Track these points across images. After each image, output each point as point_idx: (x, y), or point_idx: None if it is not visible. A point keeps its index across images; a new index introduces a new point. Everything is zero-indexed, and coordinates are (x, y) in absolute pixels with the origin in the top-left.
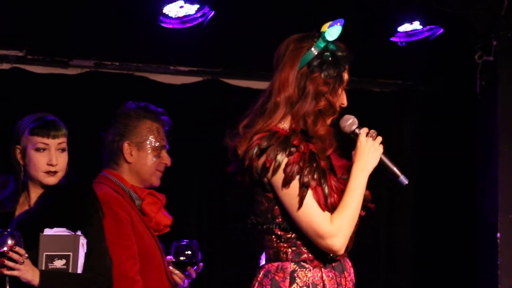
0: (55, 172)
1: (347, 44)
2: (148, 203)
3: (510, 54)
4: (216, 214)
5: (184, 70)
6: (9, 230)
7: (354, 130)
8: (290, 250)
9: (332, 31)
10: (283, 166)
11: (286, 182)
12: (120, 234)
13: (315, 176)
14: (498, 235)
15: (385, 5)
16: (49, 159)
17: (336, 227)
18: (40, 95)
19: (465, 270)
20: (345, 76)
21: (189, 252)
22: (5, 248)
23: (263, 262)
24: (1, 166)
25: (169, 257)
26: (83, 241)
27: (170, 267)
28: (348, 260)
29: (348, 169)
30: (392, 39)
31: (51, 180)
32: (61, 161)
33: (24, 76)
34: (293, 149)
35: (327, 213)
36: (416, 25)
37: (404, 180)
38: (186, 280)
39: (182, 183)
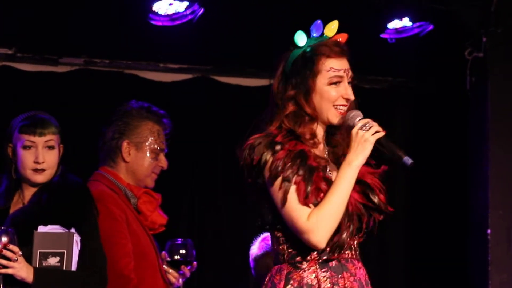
0: (43, 170)
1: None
2: (144, 202)
3: (500, 50)
4: (209, 213)
5: (174, 68)
6: (3, 227)
7: (354, 123)
8: (287, 252)
9: (298, 36)
10: (269, 163)
11: (271, 179)
12: (115, 232)
13: (300, 172)
14: (489, 231)
15: (375, 2)
16: (35, 156)
17: (312, 222)
18: (30, 93)
19: (456, 267)
20: (324, 66)
21: (184, 251)
22: None
23: None
24: None
25: (163, 252)
26: (77, 238)
27: (165, 266)
28: (355, 261)
29: (365, 176)
30: (382, 35)
31: (39, 178)
32: (48, 158)
33: (13, 74)
34: (278, 147)
35: (306, 209)
36: (406, 21)
37: (407, 160)
38: (180, 279)
39: (175, 182)
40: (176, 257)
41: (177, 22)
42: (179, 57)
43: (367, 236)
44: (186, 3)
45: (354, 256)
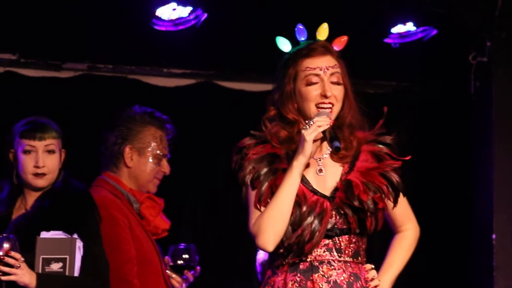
0: (43, 174)
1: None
2: (146, 207)
3: (504, 55)
4: (211, 218)
5: (177, 73)
6: (4, 234)
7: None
8: (270, 257)
9: (280, 42)
10: (237, 169)
11: (240, 184)
12: (117, 238)
13: (260, 176)
14: (494, 236)
15: (378, 6)
16: (35, 161)
17: (256, 226)
18: (33, 98)
19: (461, 271)
20: (301, 67)
21: (187, 256)
22: (0, 253)
23: None
24: None
25: (166, 257)
26: (79, 244)
27: (168, 271)
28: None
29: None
30: (386, 40)
31: (40, 183)
32: (49, 163)
33: (17, 79)
34: (244, 152)
35: (256, 213)
36: (410, 26)
37: (335, 144)
38: (183, 284)
39: (177, 186)
40: (179, 262)
41: (181, 27)
42: (183, 62)
43: (366, 235)
44: (189, 8)
45: (336, 258)
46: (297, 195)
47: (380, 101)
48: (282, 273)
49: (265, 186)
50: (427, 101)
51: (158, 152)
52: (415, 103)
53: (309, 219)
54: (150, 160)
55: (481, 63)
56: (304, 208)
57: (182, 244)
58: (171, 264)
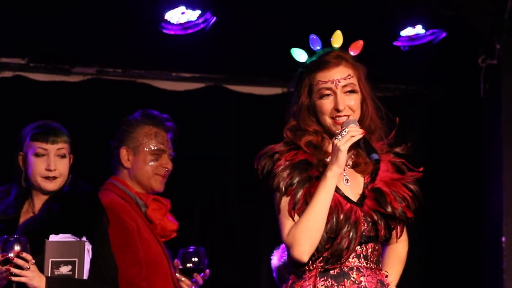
0: (54, 178)
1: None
2: (153, 209)
3: None
4: (221, 220)
5: (187, 77)
6: (15, 236)
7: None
8: (293, 262)
9: (295, 53)
10: (268, 174)
11: (271, 189)
12: (126, 241)
13: (294, 183)
14: (503, 239)
15: (388, 9)
16: (47, 164)
17: (291, 237)
18: (43, 102)
19: (471, 275)
20: (314, 81)
21: (196, 259)
22: (11, 254)
23: None
24: (4, 174)
25: (175, 260)
26: (88, 247)
27: (177, 274)
28: (364, 269)
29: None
30: (395, 43)
31: (50, 186)
32: (60, 167)
33: (26, 84)
34: (276, 157)
35: (289, 222)
36: (419, 29)
37: (374, 156)
38: (193, 287)
39: (187, 189)
40: (188, 265)
41: (190, 31)
42: (192, 66)
43: (384, 244)
44: (198, 12)
45: (364, 264)
46: (333, 203)
47: (389, 104)
48: (310, 278)
49: (300, 194)
50: (437, 104)
51: (153, 148)
52: (424, 106)
53: (347, 227)
54: (147, 157)
55: (491, 66)
56: (342, 216)
57: (192, 247)
58: (181, 267)
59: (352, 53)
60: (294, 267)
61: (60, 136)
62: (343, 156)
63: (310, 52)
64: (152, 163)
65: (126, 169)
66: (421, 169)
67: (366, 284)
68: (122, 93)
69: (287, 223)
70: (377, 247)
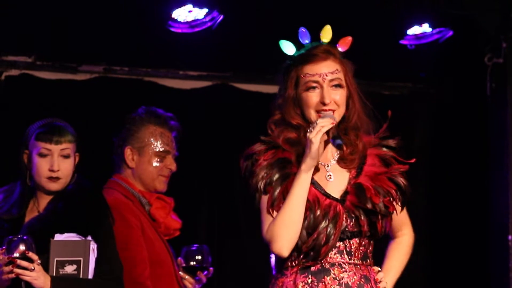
0: (57, 178)
1: (356, 48)
2: (156, 208)
3: None
4: (226, 218)
5: (194, 75)
6: (20, 236)
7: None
8: (278, 259)
9: (283, 45)
10: (248, 175)
11: (251, 190)
12: (130, 240)
13: (273, 181)
14: (510, 237)
15: (394, 8)
16: (51, 164)
17: (270, 232)
18: (49, 101)
19: (477, 274)
20: (301, 73)
21: (199, 257)
22: (16, 254)
23: None
24: (11, 172)
25: (179, 258)
26: (93, 246)
27: (181, 273)
28: (346, 264)
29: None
30: (402, 42)
31: (54, 186)
32: (64, 167)
33: (33, 82)
34: (254, 158)
35: (269, 219)
36: (426, 27)
37: (336, 142)
38: (197, 285)
39: (192, 187)
40: (192, 263)
41: (197, 29)
42: (199, 64)
43: (375, 238)
44: (205, 10)
45: (347, 260)
46: (311, 199)
47: (396, 102)
48: (291, 275)
49: (277, 191)
50: (443, 102)
51: (159, 149)
52: (431, 104)
53: (324, 223)
54: (151, 158)
55: (497, 65)
56: (318, 212)
57: (195, 245)
58: (184, 265)
59: (340, 49)
60: (277, 263)
61: (64, 136)
62: (315, 147)
63: (299, 45)
64: (156, 164)
65: (130, 168)
66: (413, 160)
67: (348, 280)
68: (129, 91)
69: (266, 220)
70: (363, 243)
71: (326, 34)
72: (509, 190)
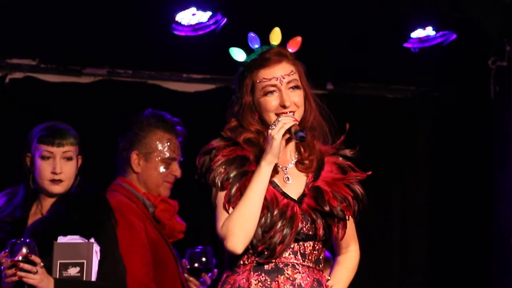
0: (60, 181)
1: (359, 51)
2: (161, 210)
3: None
4: None
5: (197, 78)
6: (23, 239)
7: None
8: (228, 257)
9: (233, 53)
10: (206, 170)
11: (208, 186)
12: (134, 242)
13: (230, 178)
14: None
15: (398, 11)
16: (53, 167)
17: (224, 228)
18: (53, 103)
19: (480, 278)
20: (256, 78)
21: (204, 259)
22: (19, 257)
23: None
24: (14, 175)
25: (183, 260)
26: (96, 248)
27: (185, 275)
28: (300, 266)
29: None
30: (405, 45)
31: (56, 189)
32: (66, 169)
33: (37, 85)
34: (213, 153)
35: (224, 215)
36: (429, 30)
37: (299, 134)
38: (201, 287)
39: (196, 189)
40: (196, 265)
41: (200, 32)
42: (202, 67)
43: (326, 244)
44: (209, 13)
45: (300, 262)
46: (269, 198)
47: (399, 106)
48: (244, 272)
49: (235, 187)
50: (447, 106)
51: (165, 155)
52: (434, 108)
53: (281, 222)
54: (158, 164)
55: (501, 68)
56: (276, 211)
57: (199, 247)
58: (188, 267)
59: (290, 50)
60: (229, 261)
61: (66, 138)
62: (276, 144)
63: (249, 51)
64: (162, 170)
65: (135, 173)
66: (369, 173)
67: (301, 282)
68: (133, 94)
69: (222, 216)
70: (317, 247)
71: (276, 37)
72: None
